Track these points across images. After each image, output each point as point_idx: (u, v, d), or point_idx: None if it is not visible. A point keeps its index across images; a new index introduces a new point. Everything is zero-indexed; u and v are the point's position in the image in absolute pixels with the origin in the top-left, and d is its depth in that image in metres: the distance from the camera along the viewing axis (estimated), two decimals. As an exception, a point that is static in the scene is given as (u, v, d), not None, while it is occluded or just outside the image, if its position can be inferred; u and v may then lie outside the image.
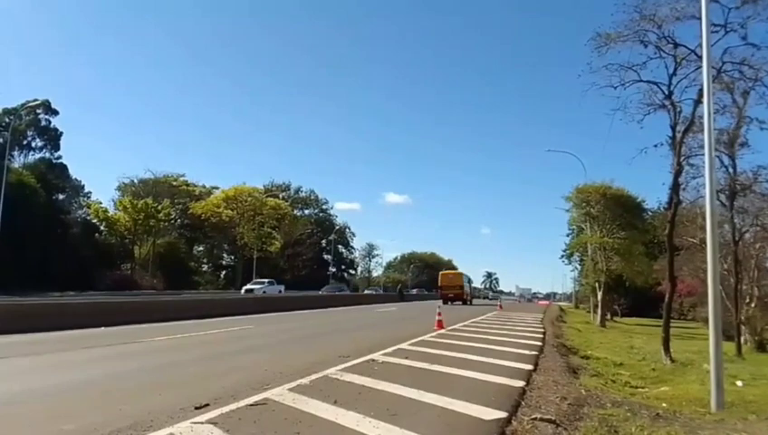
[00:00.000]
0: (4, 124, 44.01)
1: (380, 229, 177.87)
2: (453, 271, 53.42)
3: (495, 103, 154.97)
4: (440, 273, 48.00)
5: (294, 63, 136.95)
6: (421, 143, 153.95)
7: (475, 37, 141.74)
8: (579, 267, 43.46)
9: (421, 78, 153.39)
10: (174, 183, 64.18)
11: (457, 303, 40.83)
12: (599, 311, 30.45)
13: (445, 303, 37.65)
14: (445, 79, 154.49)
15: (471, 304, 44.00)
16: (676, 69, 13.29)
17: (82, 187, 55.78)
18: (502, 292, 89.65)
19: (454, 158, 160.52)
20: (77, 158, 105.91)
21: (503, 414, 5.43)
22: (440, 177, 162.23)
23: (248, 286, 38.04)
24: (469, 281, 51.75)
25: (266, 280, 39.82)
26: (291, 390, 6.19)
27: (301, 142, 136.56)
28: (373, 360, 8.94)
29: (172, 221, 61.02)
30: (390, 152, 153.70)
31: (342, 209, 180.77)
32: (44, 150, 50.07)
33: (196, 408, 5.23)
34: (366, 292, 62.13)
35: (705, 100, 7.88)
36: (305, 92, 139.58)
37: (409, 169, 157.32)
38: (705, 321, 15.67)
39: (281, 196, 73.92)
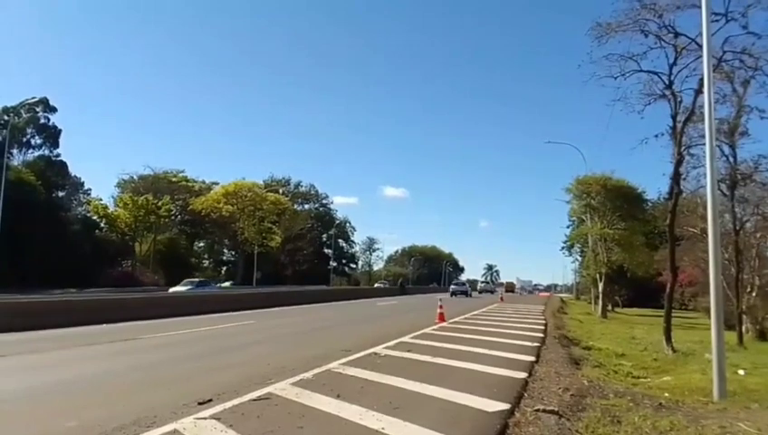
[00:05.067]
0: (3, 122, 43.75)
1: (379, 223, 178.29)
2: (510, 281, 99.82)
3: (493, 95, 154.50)
4: (505, 282, 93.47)
5: (291, 58, 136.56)
6: (417, 136, 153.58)
7: (473, 28, 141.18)
8: (579, 259, 43.59)
9: (417, 69, 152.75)
10: (173, 179, 63.79)
11: (509, 293, 66.69)
12: (600, 302, 30.43)
13: (506, 292, 61.88)
14: (440, 70, 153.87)
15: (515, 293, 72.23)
16: (676, 58, 13.16)
17: (82, 184, 55.58)
18: (502, 284, 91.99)
19: (450, 150, 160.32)
20: (76, 155, 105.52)
21: (505, 406, 5.45)
22: (437, 169, 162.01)
23: (175, 288, 30.46)
24: (513, 284, 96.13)
25: (197, 280, 36.79)
26: (294, 384, 6.21)
27: (298, 137, 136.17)
28: (375, 353, 8.97)
29: (172, 217, 60.84)
30: (387, 145, 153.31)
31: (340, 204, 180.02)
32: (44, 148, 49.78)
33: (200, 403, 5.24)
34: (377, 285, 66.52)
35: (705, 89, 7.83)
36: (302, 87, 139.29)
37: (406, 162, 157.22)
38: (707, 310, 15.71)
39: (281, 191, 73.71)
